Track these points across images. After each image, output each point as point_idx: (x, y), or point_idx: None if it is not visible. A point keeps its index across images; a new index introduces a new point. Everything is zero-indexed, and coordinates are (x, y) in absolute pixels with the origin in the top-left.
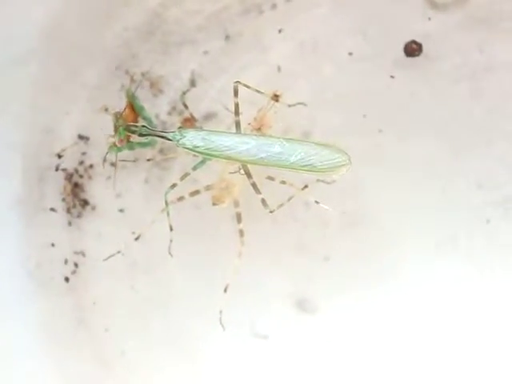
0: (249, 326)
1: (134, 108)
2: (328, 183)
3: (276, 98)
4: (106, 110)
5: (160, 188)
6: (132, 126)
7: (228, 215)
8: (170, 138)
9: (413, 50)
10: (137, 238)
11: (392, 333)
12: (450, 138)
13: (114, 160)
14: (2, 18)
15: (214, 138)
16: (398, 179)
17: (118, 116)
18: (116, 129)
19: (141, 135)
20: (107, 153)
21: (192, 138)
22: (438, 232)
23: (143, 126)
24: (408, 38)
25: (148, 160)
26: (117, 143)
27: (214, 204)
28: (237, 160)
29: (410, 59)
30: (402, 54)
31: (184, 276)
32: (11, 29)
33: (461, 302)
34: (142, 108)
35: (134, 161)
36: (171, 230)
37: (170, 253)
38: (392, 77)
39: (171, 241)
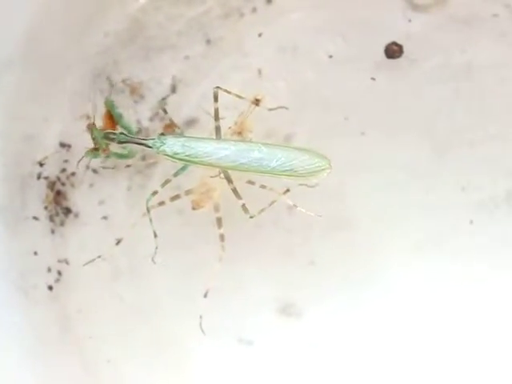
0: (234, 332)
1: (112, 116)
2: (311, 187)
3: (257, 102)
4: (88, 117)
5: (143, 195)
6: (110, 133)
7: (212, 220)
8: (150, 145)
9: (393, 51)
10: (118, 243)
11: (378, 336)
12: (433, 139)
13: (94, 166)
14: None
15: (193, 145)
16: (381, 181)
17: (91, 127)
18: (94, 140)
19: (119, 142)
20: (82, 157)
21: (172, 144)
22: (422, 234)
23: (121, 134)
24: (388, 40)
25: (127, 166)
26: (101, 153)
27: (193, 208)
28: (217, 166)
29: (391, 61)
30: (383, 55)
31: (168, 282)
32: None
33: (446, 303)
34: (120, 116)
35: (113, 168)
36: (155, 236)
37: (153, 260)
38: (373, 79)
39: (156, 247)
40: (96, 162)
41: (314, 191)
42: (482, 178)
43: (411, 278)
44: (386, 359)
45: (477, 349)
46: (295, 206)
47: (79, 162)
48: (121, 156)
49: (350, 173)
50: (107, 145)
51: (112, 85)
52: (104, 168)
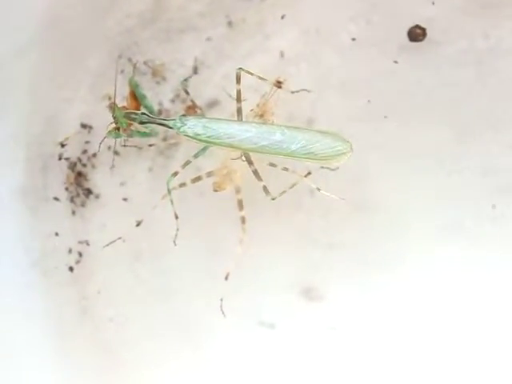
0: (255, 315)
1: (136, 96)
2: (332, 170)
3: (279, 84)
4: (110, 98)
5: (164, 176)
6: (132, 113)
7: (233, 202)
8: (171, 125)
9: (417, 34)
10: (138, 225)
11: (399, 319)
12: (456, 123)
13: (116, 148)
14: (2, 8)
15: (215, 126)
16: (402, 165)
17: (113, 107)
18: (115, 119)
19: (141, 123)
20: (105, 137)
21: (193, 125)
22: (444, 218)
23: (143, 114)
24: (412, 23)
25: (150, 146)
26: (122, 133)
27: (214, 190)
28: (238, 148)
29: (414, 44)
30: (406, 38)
31: (189, 264)
32: (12, 19)
33: (467, 288)
34: (144, 96)
35: (136, 146)
36: (177, 218)
37: (174, 242)
38: (396, 62)
39: (178, 229)
40: (118, 143)
41: (336, 174)
42: (504, 162)
43: (433, 262)
44: (406, 342)
45: (500, 334)
46: (318, 189)
47: (101, 142)
48: (143, 134)
49: (372, 156)
50: (128, 124)
51: (134, 66)
52: (125, 146)
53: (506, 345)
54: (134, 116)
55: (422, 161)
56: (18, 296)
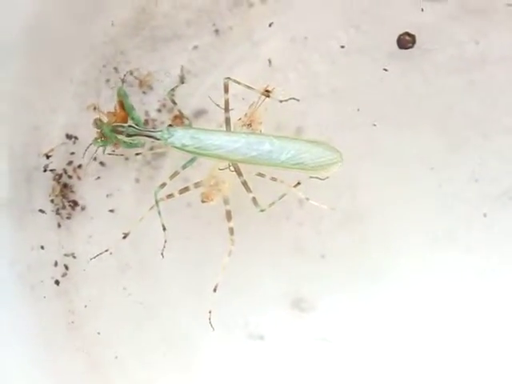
0: (244, 327)
1: (124, 107)
2: (321, 179)
3: (267, 93)
4: (95, 108)
5: (151, 187)
6: (119, 126)
7: (221, 213)
8: (158, 137)
9: (406, 41)
10: (125, 237)
11: (390, 330)
12: (446, 131)
13: (101, 159)
14: None
15: (202, 137)
16: (393, 174)
17: (98, 122)
18: (102, 134)
19: (128, 136)
20: (90, 144)
21: (180, 136)
22: (435, 227)
23: (130, 126)
24: (401, 30)
25: (137, 154)
26: (112, 147)
27: (202, 201)
28: (227, 159)
29: (404, 51)
30: (395, 46)
31: (177, 276)
32: None
33: (459, 297)
34: (132, 108)
35: (122, 155)
36: (164, 229)
37: (162, 254)
38: (385, 70)
39: (165, 241)
40: (104, 154)
41: (325, 183)
42: (495, 170)
43: (424, 271)
44: (398, 352)
45: (490, 343)
46: (307, 199)
47: (86, 150)
48: (130, 145)
49: (361, 165)
50: (116, 138)
51: (124, 77)
52: (111, 154)
53: (500, 352)
54: (122, 129)
55: (412, 169)
56: (3, 310)
